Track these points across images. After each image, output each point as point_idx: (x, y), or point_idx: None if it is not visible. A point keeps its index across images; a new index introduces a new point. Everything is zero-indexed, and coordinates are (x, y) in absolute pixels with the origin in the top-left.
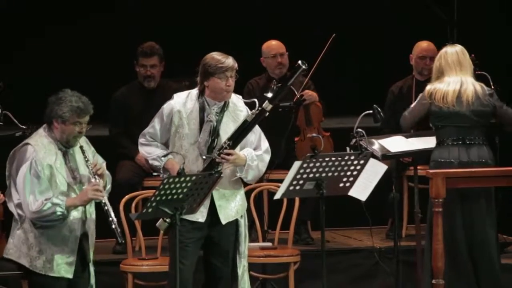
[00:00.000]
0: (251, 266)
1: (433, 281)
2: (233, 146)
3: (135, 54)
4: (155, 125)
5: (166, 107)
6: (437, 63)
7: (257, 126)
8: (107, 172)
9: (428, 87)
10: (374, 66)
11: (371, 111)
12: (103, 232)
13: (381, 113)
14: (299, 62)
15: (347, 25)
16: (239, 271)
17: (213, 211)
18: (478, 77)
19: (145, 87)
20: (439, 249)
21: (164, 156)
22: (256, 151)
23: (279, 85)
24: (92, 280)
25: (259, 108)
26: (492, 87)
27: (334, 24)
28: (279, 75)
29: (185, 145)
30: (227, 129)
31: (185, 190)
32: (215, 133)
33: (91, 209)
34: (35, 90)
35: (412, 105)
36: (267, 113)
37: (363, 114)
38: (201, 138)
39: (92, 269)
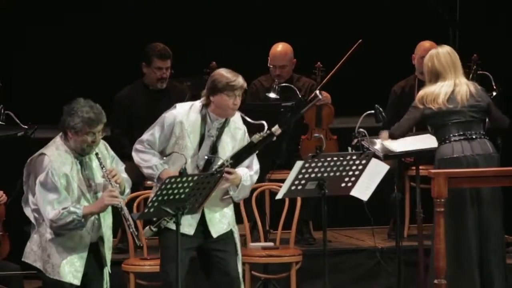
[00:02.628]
0: (253, 266)
1: (435, 281)
2: (234, 165)
3: (142, 55)
4: (155, 133)
5: (168, 116)
6: (429, 63)
7: None
8: (125, 176)
9: (420, 93)
10: (376, 66)
11: (373, 111)
12: None
13: (383, 113)
14: (316, 92)
15: (349, 25)
16: (240, 274)
17: (203, 226)
18: (480, 77)
19: (149, 87)
20: (441, 249)
21: (166, 156)
22: (248, 171)
23: (282, 85)
24: (106, 285)
25: (268, 132)
26: (494, 87)
27: (335, 24)
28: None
29: (184, 156)
30: (224, 146)
31: (187, 190)
32: (214, 148)
33: (106, 215)
34: (36, 90)
35: (406, 115)
36: (275, 138)
37: (365, 114)
38: (201, 152)
39: (107, 274)
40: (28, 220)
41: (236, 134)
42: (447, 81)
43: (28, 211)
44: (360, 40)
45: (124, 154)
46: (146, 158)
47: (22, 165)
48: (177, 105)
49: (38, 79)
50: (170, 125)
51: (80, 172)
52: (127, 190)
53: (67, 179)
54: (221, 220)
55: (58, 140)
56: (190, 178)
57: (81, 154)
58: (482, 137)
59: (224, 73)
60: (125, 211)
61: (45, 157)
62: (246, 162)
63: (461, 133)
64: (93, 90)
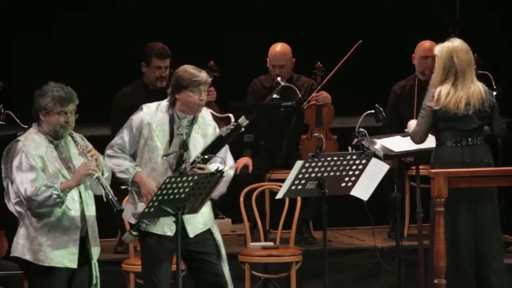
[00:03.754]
0: (253, 266)
1: (435, 281)
2: (205, 161)
3: (141, 54)
4: (124, 136)
5: (135, 118)
6: (446, 61)
7: None
8: (102, 161)
9: (437, 91)
10: (376, 66)
11: (373, 111)
12: (104, 232)
13: (383, 113)
14: (278, 79)
15: (349, 25)
16: (227, 277)
17: (181, 225)
18: (480, 77)
19: (149, 87)
20: (440, 248)
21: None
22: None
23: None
24: (96, 280)
25: (235, 124)
26: (494, 86)
27: (336, 23)
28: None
29: (154, 158)
30: (195, 143)
31: (187, 190)
32: (184, 146)
33: (89, 201)
34: (37, 90)
35: (418, 118)
36: (243, 129)
37: (365, 113)
38: (171, 151)
39: (95, 267)
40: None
41: (206, 130)
42: (466, 80)
43: (11, 207)
44: (360, 41)
45: None
46: (118, 163)
47: None
48: (143, 106)
49: (38, 78)
50: (139, 127)
51: (57, 156)
52: (106, 173)
53: (42, 161)
54: (197, 220)
55: (31, 129)
56: (190, 178)
57: (55, 137)
58: (482, 142)
59: (188, 69)
60: (103, 180)
61: (19, 142)
62: (219, 157)
63: (462, 138)
64: (93, 90)
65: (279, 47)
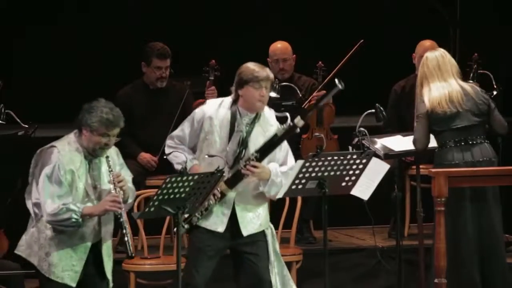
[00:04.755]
0: None
1: (436, 280)
2: (260, 159)
3: (141, 54)
4: (185, 128)
5: (198, 112)
6: (421, 70)
7: (285, 143)
8: (131, 186)
9: (425, 98)
10: (377, 65)
11: (373, 110)
12: None
13: (384, 112)
14: (336, 80)
15: (349, 25)
16: (273, 279)
17: (234, 223)
18: (480, 77)
19: (149, 87)
20: (441, 248)
21: (211, 156)
22: (281, 167)
23: (282, 84)
24: None
25: (290, 124)
26: (495, 86)
27: (337, 24)
28: (281, 80)
29: (212, 153)
30: (256, 142)
31: (187, 189)
32: (243, 144)
33: (107, 221)
34: (37, 89)
35: (416, 125)
36: (298, 129)
37: (365, 113)
38: (229, 147)
39: (110, 282)
40: (27, 218)
41: (268, 130)
42: (438, 84)
43: (29, 204)
44: (362, 40)
45: (125, 154)
46: (176, 154)
47: (22, 164)
48: (207, 101)
49: (39, 78)
50: (200, 121)
51: (87, 172)
52: (130, 200)
53: (72, 176)
54: (252, 220)
55: (71, 136)
56: (190, 178)
57: (91, 154)
58: (483, 141)
59: (250, 66)
60: (124, 219)
61: (55, 150)
62: (281, 159)
63: (462, 138)
64: (93, 89)
65: (279, 43)
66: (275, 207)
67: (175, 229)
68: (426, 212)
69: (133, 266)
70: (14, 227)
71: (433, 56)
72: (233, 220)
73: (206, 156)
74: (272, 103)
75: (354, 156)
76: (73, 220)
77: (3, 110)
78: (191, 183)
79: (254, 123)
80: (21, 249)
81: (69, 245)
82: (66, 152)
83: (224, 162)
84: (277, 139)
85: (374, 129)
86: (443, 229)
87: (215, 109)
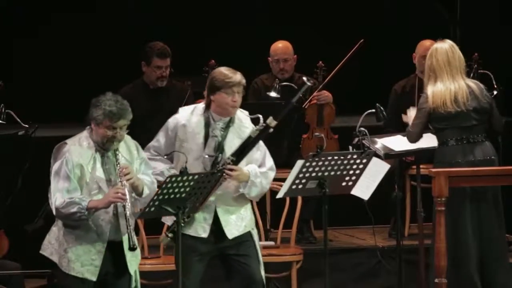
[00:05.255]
0: None
1: (436, 280)
2: (236, 162)
3: (141, 54)
4: (160, 138)
5: (171, 121)
6: (428, 61)
7: (262, 143)
8: (150, 179)
9: (429, 92)
10: (377, 65)
11: (374, 110)
12: None
13: (384, 112)
14: (304, 79)
15: (349, 25)
16: (263, 282)
17: (218, 227)
18: (481, 76)
19: (149, 86)
20: (441, 248)
21: (167, 155)
22: (260, 168)
23: (283, 84)
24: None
25: (263, 124)
26: (495, 86)
27: (336, 23)
28: (281, 79)
29: (190, 160)
30: (231, 145)
31: (187, 189)
32: (219, 148)
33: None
34: (37, 89)
35: (414, 119)
36: (272, 129)
37: (365, 113)
38: (206, 153)
39: (135, 276)
40: (28, 218)
41: (243, 132)
42: (444, 79)
43: (51, 203)
44: (362, 40)
45: None
46: (154, 165)
47: (22, 164)
48: (180, 110)
49: (39, 78)
50: (174, 129)
51: (101, 166)
52: (147, 192)
53: (81, 170)
54: (236, 222)
55: (84, 132)
56: (190, 177)
57: (103, 148)
58: (484, 140)
59: (222, 71)
60: (128, 211)
61: (65, 145)
62: (259, 159)
63: (463, 136)
64: (93, 89)
65: (281, 43)
66: (275, 207)
67: (160, 238)
68: (427, 212)
69: None
70: (14, 226)
71: (443, 50)
72: (217, 224)
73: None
74: (272, 103)
75: (354, 156)
76: (79, 213)
77: (3, 110)
78: (191, 183)
79: (229, 127)
80: (45, 248)
81: (86, 240)
82: (76, 147)
83: (186, 157)
84: (251, 141)
85: (374, 129)
86: (443, 229)
87: (188, 116)
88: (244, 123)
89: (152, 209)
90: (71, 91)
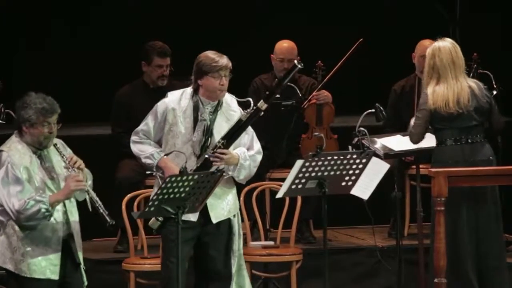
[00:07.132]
0: (253, 265)
1: (435, 280)
2: (227, 146)
3: (142, 53)
4: (149, 122)
5: (160, 105)
6: (431, 61)
7: (250, 127)
8: (86, 169)
9: (429, 92)
10: (377, 65)
11: (373, 110)
12: (104, 232)
13: (384, 112)
14: (295, 61)
15: (349, 24)
16: (233, 270)
17: (204, 210)
18: (480, 76)
19: (149, 86)
20: (441, 247)
21: (167, 154)
22: (248, 151)
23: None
24: (84, 282)
25: (254, 108)
26: (495, 86)
27: (337, 22)
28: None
29: (178, 144)
30: (220, 129)
31: (187, 189)
32: (208, 132)
33: (73, 209)
34: (37, 89)
35: (415, 119)
36: (262, 113)
37: (365, 113)
38: (195, 137)
39: (83, 270)
40: None
41: (230, 116)
42: (448, 79)
43: (9, 211)
44: (361, 39)
45: (125, 154)
46: (143, 149)
47: None
48: (168, 94)
49: (39, 78)
50: (163, 113)
51: (40, 165)
52: (89, 181)
53: (28, 172)
54: (222, 206)
55: (13, 138)
56: (190, 177)
57: (38, 148)
58: (482, 140)
59: (209, 55)
60: (92, 194)
61: (3, 153)
62: (247, 143)
63: (462, 137)
64: (93, 89)
65: (287, 43)
66: (275, 207)
67: (150, 222)
68: (426, 212)
69: (133, 266)
70: None
71: (447, 49)
72: (203, 208)
73: (164, 156)
74: (272, 103)
75: (354, 156)
76: (43, 209)
77: (3, 110)
78: (191, 183)
79: (217, 111)
80: None
81: (42, 240)
82: (14, 151)
83: (185, 156)
84: (242, 124)
85: (374, 128)
86: (443, 229)
87: (177, 100)
88: (231, 107)
89: (152, 208)
90: (70, 92)
